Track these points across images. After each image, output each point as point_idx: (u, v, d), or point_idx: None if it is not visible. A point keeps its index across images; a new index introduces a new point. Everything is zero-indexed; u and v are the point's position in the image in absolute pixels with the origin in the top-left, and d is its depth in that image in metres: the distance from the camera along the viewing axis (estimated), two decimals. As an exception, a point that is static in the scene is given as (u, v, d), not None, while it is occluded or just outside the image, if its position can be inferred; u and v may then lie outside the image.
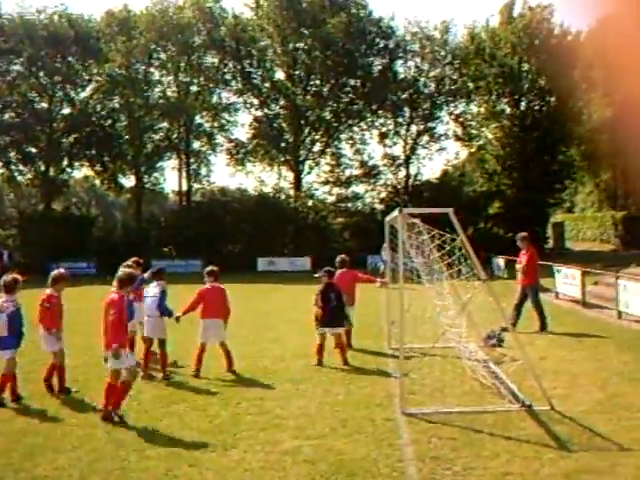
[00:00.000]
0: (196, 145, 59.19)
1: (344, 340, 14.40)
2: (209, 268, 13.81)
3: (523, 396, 10.52)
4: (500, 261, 37.85)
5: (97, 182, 67.37)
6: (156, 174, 59.48)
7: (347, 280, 15.52)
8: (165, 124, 57.61)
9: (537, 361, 13.23)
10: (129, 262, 13.67)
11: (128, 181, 59.84)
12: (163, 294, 13.19)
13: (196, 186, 60.20)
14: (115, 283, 10.55)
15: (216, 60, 57.04)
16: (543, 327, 17.90)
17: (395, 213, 12.50)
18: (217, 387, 12.30)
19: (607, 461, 7.80)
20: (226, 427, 9.64)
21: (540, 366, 12.76)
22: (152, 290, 13.35)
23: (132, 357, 10.90)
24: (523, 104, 56.62)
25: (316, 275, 14.71)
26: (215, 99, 58.23)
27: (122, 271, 11.04)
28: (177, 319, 13.26)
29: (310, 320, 14.85)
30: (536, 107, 56.50)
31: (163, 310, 13.14)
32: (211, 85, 57.07)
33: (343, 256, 16.26)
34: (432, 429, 9.21)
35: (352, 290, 15.63)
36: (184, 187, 59.23)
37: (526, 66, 55.44)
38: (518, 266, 19.02)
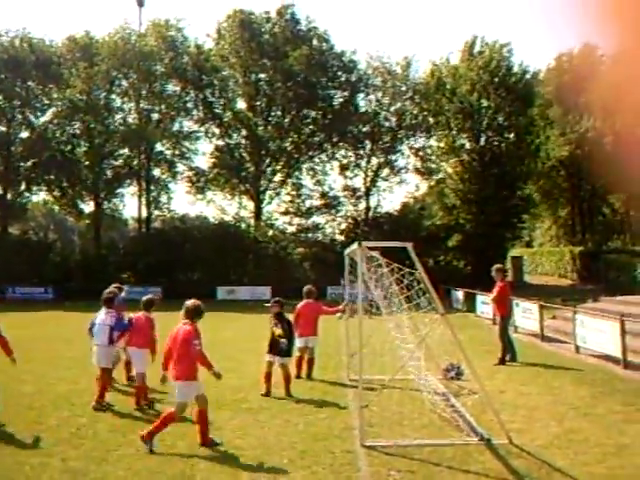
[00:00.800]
0: (156, 172, 58.93)
1: (289, 371, 14.32)
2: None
3: (481, 429, 10.53)
4: (459, 294, 38.06)
5: (56, 207, 66.61)
6: (116, 200, 59.09)
7: (311, 311, 15.60)
8: (125, 151, 57.32)
9: (496, 394, 13.28)
10: (111, 288, 13.70)
11: (87, 206, 59.42)
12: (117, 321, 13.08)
13: (156, 213, 59.88)
14: (182, 314, 10.50)
15: (178, 88, 57.07)
16: (503, 360, 18.00)
17: (354, 246, 12.53)
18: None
19: (565, 496, 7.82)
20: (184, 458, 9.51)
21: (499, 399, 12.81)
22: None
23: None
24: (482, 140, 57.27)
25: (267, 305, 14.67)
26: (176, 127, 58.17)
27: (191, 303, 10.70)
28: None
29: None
30: (495, 143, 57.16)
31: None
32: (172, 113, 57.01)
33: (310, 287, 16.31)
34: (391, 462, 9.17)
35: (315, 321, 15.62)
36: (144, 214, 58.86)
37: (485, 102, 56.13)
38: (489, 297, 19.49)
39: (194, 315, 10.47)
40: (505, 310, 19.00)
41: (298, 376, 15.39)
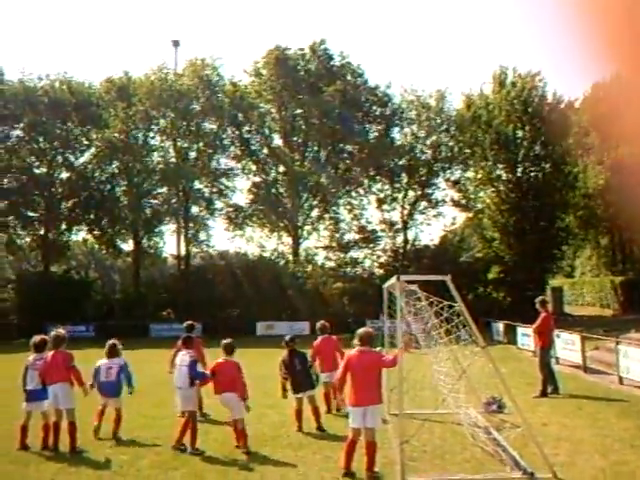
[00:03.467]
0: (195, 210, 59.12)
1: (317, 404, 14.36)
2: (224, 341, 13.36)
3: (525, 464, 10.41)
4: (499, 326, 37.70)
5: (96, 246, 67.18)
6: (155, 238, 59.51)
7: (327, 346, 15.65)
8: (164, 189, 57.75)
9: (539, 427, 13.13)
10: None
11: (127, 245, 59.92)
12: (194, 363, 13.10)
13: (195, 250, 60.12)
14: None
15: (215, 126, 57.46)
16: (544, 393, 17.83)
17: (393, 280, 12.52)
18: (216, 454, 12.17)
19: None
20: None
21: (542, 432, 12.66)
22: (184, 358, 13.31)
23: None
24: (519, 171, 56.90)
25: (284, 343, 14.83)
26: (214, 164, 58.49)
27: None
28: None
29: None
30: (532, 173, 56.80)
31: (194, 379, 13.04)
32: (210, 151, 57.40)
33: (323, 322, 16.39)
34: (433, 497, 9.09)
35: (331, 356, 15.42)
36: (183, 251, 59.08)
37: (521, 133, 55.94)
38: (532, 328, 19.59)
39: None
40: (546, 341, 18.89)
41: (328, 411, 15.48)
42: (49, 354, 13.03)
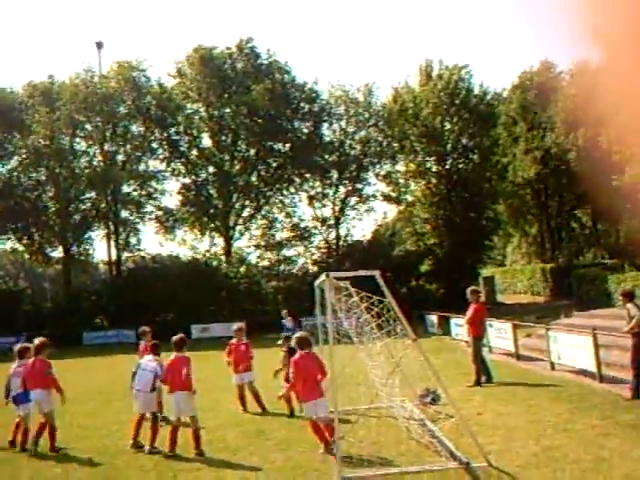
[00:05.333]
0: (125, 214, 58.40)
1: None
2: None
3: (460, 453, 10.50)
4: (433, 317, 38.02)
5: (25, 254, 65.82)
6: (85, 244, 58.55)
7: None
8: (92, 194, 56.76)
9: (473, 417, 13.27)
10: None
11: (56, 252, 58.67)
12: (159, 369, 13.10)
13: (126, 255, 59.42)
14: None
15: (142, 129, 56.87)
16: (478, 382, 18.02)
17: (322, 277, 12.52)
18: (152, 458, 12.04)
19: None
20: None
21: (476, 422, 12.79)
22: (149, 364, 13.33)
23: None
24: (448, 162, 57.56)
25: (279, 342, 15.47)
26: (142, 167, 57.79)
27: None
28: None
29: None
30: (460, 165, 57.53)
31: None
32: (138, 154, 56.77)
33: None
34: (371, 492, 9.11)
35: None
36: (114, 256, 58.32)
37: (448, 125, 56.54)
38: (464, 319, 19.41)
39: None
40: (479, 331, 19.09)
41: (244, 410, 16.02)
42: (29, 361, 13.31)
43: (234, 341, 16.60)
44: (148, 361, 13.34)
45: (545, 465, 9.88)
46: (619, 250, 61.43)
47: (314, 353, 12.14)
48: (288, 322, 32.08)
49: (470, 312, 19.00)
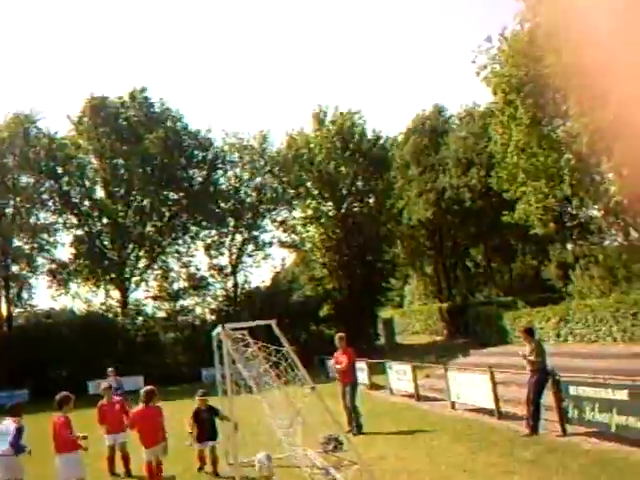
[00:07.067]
0: (15, 268, 56.62)
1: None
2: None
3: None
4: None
5: None
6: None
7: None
8: (-20, 247, 54.87)
9: (377, 461, 13.21)
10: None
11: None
12: (19, 431, 12.39)
13: (17, 311, 57.39)
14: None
15: (32, 180, 55.44)
16: (357, 427, 17.68)
17: (219, 329, 12.37)
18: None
19: None
20: None
21: (380, 466, 12.75)
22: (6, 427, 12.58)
23: None
24: (344, 206, 58.05)
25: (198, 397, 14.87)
26: (33, 220, 56.16)
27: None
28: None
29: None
30: (356, 209, 58.12)
31: (18, 448, 12.29)
32: (28, 206, 55.21)
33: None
34: None
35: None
36: (4, 312, 56.26)
37: (343, 169, 57.05)
38: (338, 367, 18.51)
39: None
40: (354, 377, 18.71)
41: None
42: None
43: (104, 401, 15.78)
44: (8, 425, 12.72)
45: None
46: (512, 287, 63.11)
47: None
48: (113, 381, 30.66)
49: (345, 360, 18.30)
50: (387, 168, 58.94)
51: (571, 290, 41.67)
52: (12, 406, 13.03)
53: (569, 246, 49.17)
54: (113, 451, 15.34)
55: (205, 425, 14.30)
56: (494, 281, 69.78)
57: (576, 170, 34.94)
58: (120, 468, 15.26)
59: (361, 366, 29.49)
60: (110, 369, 30.20)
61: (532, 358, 14.87)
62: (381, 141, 60.09)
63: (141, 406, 13.42)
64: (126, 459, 15.25)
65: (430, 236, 66.64)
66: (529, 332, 15.84)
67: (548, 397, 14.95)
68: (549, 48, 31.32)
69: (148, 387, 13.84)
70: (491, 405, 17.62)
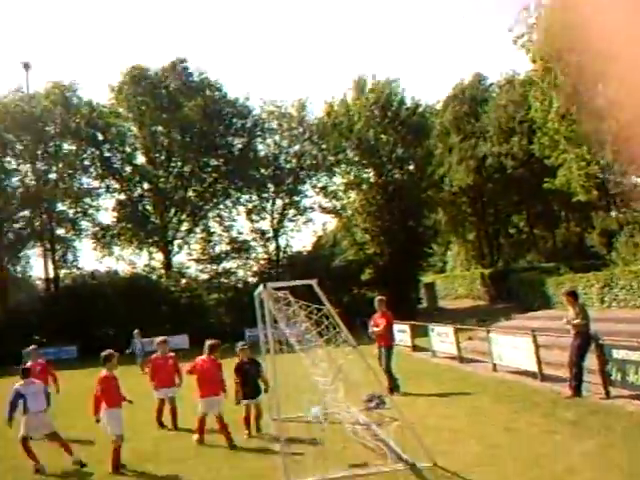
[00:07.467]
0: (60, 232, 57.57)
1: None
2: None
3: (406, 455, 10.53)
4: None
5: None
6: (21, 262, 57.58)
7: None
8: (26, 212, 55.83)
9: (419, 419, 13.28)
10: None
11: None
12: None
13: (64, 272, 58.40)
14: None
15: (73, 147, 56.20)
16: (392, 389, 17.36)
17: (260, 288, 12.47)
18: (101, 472, 11.86)
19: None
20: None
21: (422, 424, 12.79)
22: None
23: None
24: (385, 173, 57.83)
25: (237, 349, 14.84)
26: (76, 185, 57.05)
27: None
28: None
29: (184, 396, 15.32)
30: (397, 175, 57.83)
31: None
32: (70, 171, 56.02)
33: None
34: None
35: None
36: (51, 274, 57.35)
37: (383, 137, 56.76)
38: (375, 329, 18.31)
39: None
40: (390, 341, 18.51)
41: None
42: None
43: (159, 354, 15.97)
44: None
45: (489, 463, 9.97)
46: (555, 253, 62.58)
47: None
48: (138, 342, 31.27)
49: (382, 324, 18.18)
50: (426, 136, 58.59)
51: (615, 257, 41.12)
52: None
53: (613, 213, 48.42)
54: (163, 404, 15.65)
55: (248, 377, 14.07)
56: (537, 247, 69.28)
57: (618, 137, 34.39)
58: (168, 421, 15.58)
59: (404, 328, 29.64)
60: (136, 331, 31.06)
61: (577, 321, 14.78)
62: (420, 109, 59.57)
63: (204, 356, 13.93)
64: (174, 412, 15.54)
65: (472, 203, 66.37)
66: (573, 295, 15.60)
67: (591, 360, 14.86)
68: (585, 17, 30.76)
69: (213, 340, 14.49)
70: (533, 367, 17.59)
